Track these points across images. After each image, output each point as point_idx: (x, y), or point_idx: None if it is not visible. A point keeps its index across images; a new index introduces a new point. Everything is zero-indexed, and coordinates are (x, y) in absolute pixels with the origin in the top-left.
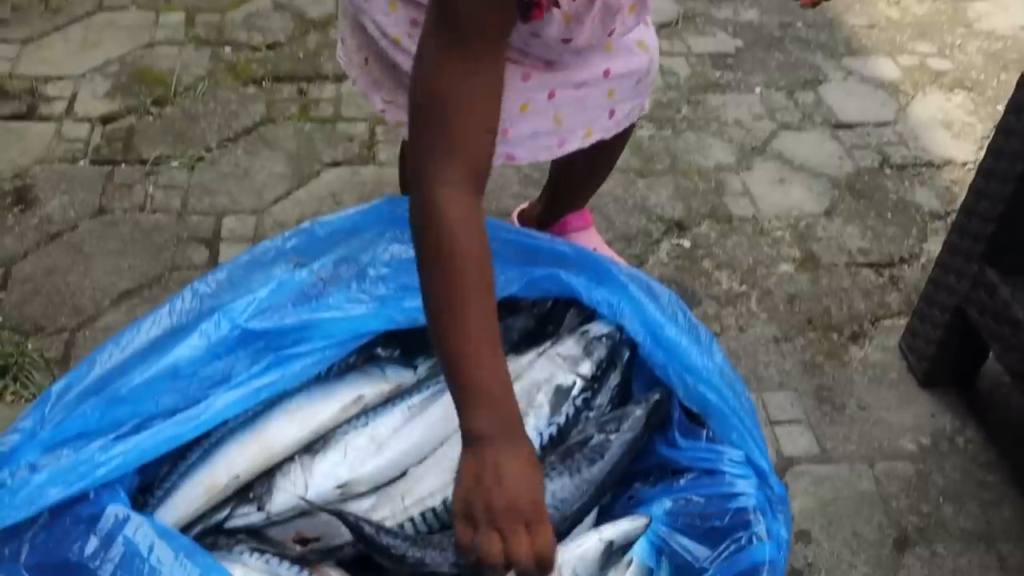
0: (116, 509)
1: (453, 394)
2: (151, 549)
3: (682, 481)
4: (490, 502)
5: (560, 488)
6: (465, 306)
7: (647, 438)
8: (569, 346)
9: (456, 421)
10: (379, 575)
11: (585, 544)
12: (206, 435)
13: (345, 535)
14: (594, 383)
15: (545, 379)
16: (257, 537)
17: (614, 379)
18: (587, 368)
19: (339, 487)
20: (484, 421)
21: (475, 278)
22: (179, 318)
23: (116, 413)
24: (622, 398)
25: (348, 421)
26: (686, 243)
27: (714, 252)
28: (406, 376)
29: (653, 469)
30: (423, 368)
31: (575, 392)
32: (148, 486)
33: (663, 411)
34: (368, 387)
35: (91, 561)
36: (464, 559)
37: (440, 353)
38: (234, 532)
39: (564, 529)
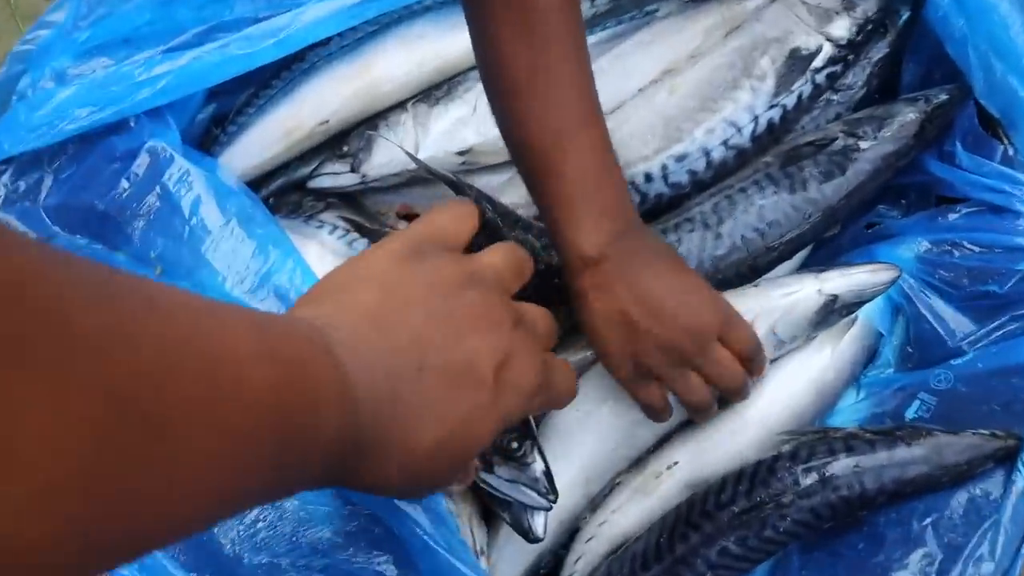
0: (157, 146)
1: (545, 204)
2: (196, 206)
3: (953, 216)
4: (662, 344)
5: (772, 205)
6: (569, 75)
7: (915, 156)
8: None
9: (637, 80)
10: None
11: (797, 293)
12: (295, 60)
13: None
14: (849, 53)
15: (776, 37)
16: (350, 205)
17: (878, 50)
18: (843, 28)
19: (461, 153)
20: (609, 231)
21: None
22: None
23: (174, 15)
24: (883, 83)
25: None
26: None
27: None
28: None
29: (911, 189)
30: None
31: (819, 63)
32: (222, 120)
33: (948, 119)
34: None
35: (118, 213)
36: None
37: (524, 143)
38: (322, 195)
39: (764, 263)
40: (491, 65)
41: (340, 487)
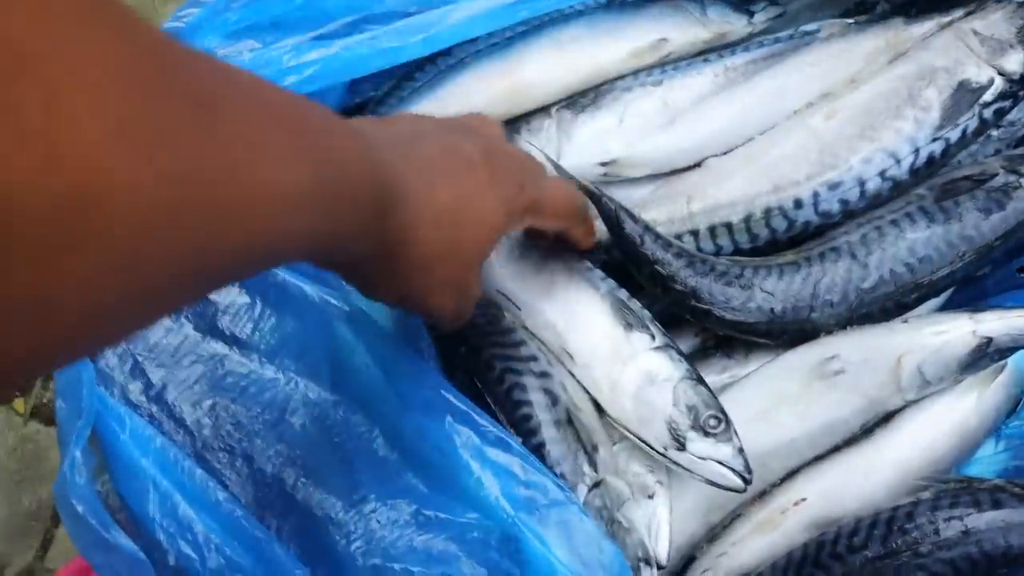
0: None
1: None
2: None
3: None
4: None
5: (924, 240)
6: None
7: None
8: (995, 22)
9: (793, 102)
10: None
11: (948, 334)
12: (443, 55)
13: (598, 231)
14: (1021, 88)
15: (944, 67)
16: None
17: None
18: (1016, 63)
19: (604, 164)
20: None
21: None
22: None
23: (324, 3)
24: None
25: (636, 74)
26: None
27: None
28: (736, 23)
29: None
30: (762, 15)
31: (988, 97)
32: (363, 107)
33: None
34: (676, 29)
35: None
36: None
37: None
38: None
39: (912, 300)
40: None
41: (376, 258)
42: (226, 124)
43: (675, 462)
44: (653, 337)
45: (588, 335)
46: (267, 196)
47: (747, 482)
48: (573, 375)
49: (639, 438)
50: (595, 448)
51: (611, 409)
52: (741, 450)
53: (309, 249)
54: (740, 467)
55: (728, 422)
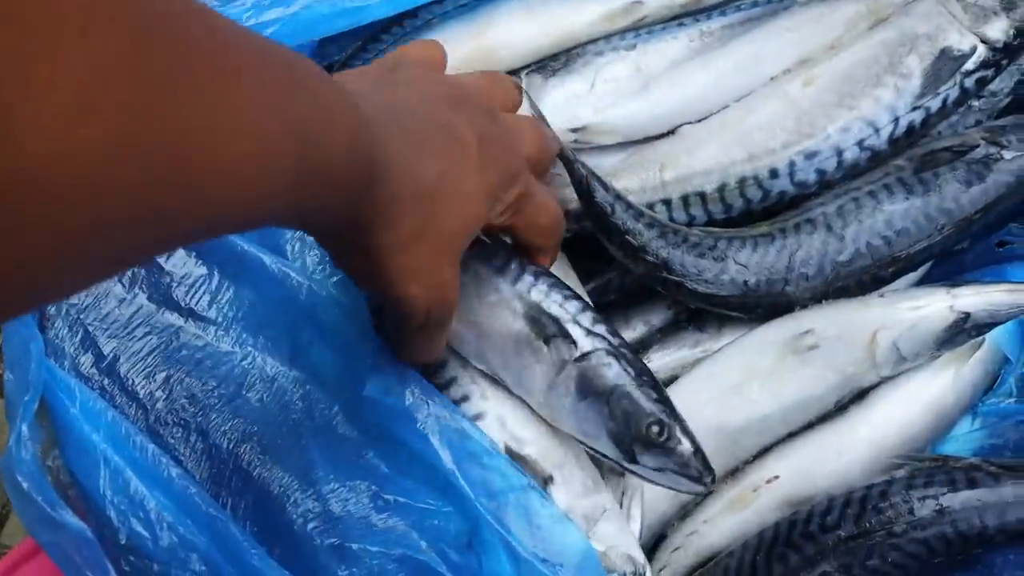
0: None
1: None
2: None
3: None
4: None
5: (902, 212)
6: None
7: None
8: None
9: (770, 68)
10: (597, 264)
11: (925, 309)
12: (409, 16)
13: (568, 199)
14: (1004, 57)
15: (927, 34)
16: None
17: None
18: (999, 30)
19: (574, 130)
20: None
21: None
22: None
23: None
24: None
25: (608, 38)
26: None
27: None
28: None
29: None
30: None
31: (970, 65)
32: (329, 70)
33: None
34: None
35: None
36: None
37: None
38: None
39: (889, 274)
40: None
41: (351, 229)
42: (206, 92)
43: (634, 473)
44: (575, 344)
45: (512, 359)
46: (245, 170)
47: (708, 483)
48: (518, 396)
49: (595, 451)
50: (549, 479)
51: (562, 427)
52: (696, 451)
53: (282, 217)
54: (695, 472)
55: (672, 426)
